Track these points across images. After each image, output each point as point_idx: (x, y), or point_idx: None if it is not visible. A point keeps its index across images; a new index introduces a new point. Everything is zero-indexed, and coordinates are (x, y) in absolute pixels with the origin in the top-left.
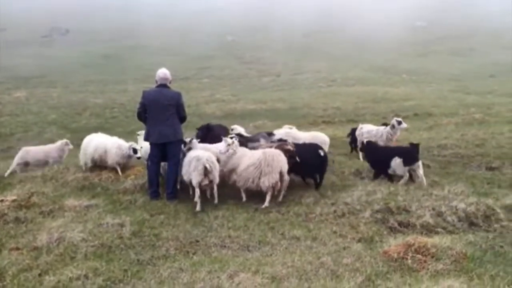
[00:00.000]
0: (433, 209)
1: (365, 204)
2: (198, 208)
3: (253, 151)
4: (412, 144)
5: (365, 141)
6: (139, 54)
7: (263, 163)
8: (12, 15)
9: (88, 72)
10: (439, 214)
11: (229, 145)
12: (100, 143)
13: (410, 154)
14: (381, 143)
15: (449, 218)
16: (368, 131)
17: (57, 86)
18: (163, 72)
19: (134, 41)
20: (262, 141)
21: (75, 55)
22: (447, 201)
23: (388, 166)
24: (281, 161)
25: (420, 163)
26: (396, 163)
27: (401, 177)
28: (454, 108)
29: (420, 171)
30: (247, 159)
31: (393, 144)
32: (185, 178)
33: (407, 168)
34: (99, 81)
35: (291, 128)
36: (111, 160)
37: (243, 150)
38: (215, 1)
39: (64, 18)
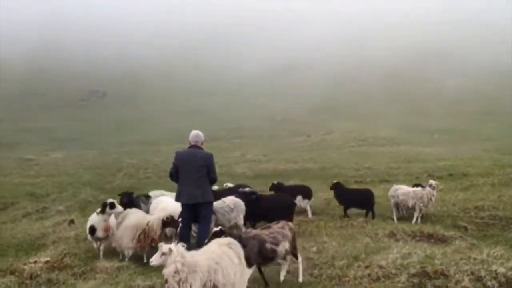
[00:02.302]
0: (472, 273)
1: (400, 268)
2: None
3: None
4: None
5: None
6: (173, 116)
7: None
8: (52, 80)
9: (123, 133)
10: (479, 279)
11: (163, 254)
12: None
13: (308, 192)
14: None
15: (489, 283)
16: (403, 193)
17: (92, 147)
18: (196, 133)
19: (168, 104)
20: (143, 207)
21: (111, 117)
22: (486, 265)
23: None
24: None
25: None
26: (299, 199)
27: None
28: (489, 168)
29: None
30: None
31: None
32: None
33: (306, 200)
34: (133, 143)
35: None
36: None
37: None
38: (247, 69)
39: (102, 81)
